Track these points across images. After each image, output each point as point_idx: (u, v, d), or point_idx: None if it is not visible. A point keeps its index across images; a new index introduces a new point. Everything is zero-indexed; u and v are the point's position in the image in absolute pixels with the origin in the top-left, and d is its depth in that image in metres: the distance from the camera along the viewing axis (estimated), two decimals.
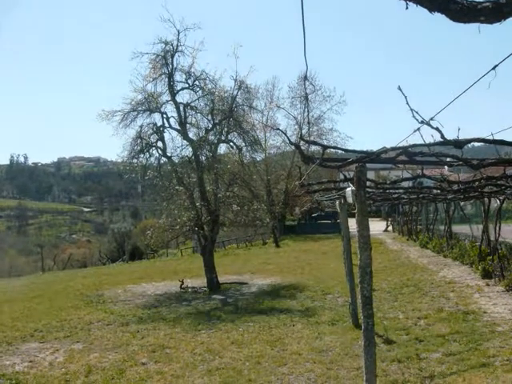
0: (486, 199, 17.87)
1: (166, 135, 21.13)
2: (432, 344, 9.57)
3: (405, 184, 14.25)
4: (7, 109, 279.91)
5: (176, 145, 21.24)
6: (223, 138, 21.08)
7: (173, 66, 20.29)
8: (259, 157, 29.27)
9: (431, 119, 5.46)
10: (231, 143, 21.40)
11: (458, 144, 5.70)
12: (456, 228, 24.97)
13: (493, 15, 2.50)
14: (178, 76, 20.67)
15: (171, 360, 9.85)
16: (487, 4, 2.48)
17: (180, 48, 20.14)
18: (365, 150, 6.29)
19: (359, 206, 6.13)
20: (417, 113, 5.34)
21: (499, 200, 16.99)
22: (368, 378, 6.02)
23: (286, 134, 42.03)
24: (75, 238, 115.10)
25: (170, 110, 21.04)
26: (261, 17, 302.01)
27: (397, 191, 16.77)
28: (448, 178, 12.57)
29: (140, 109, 20.31)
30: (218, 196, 20.16)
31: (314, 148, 37.31)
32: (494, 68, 4.38)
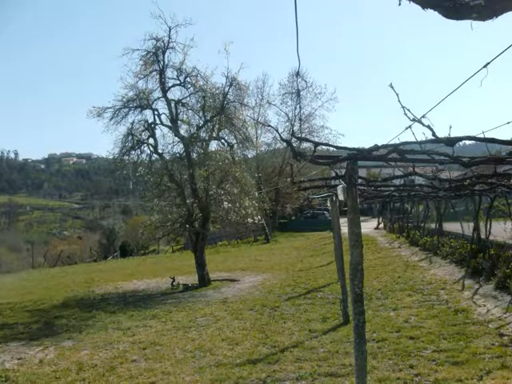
0: (476, 197, 17.95)
1: (158, 132, 21.19)
2: (422, 341, 9.59)
3: (396, 182, 14.30)
4: None
5: (167, 141, 21.26)
6: (214, 134, 21.05)
7: (164, 62, 20.28)
8: (250, 154, 29.21)
9: (423, 117, 5.46)
10: (222, 140, 21.39)
11: (450, 142, 5.71)
12: (447, 226, 25.04)
13: (485, 12, 2.50)
14: (169, 73, 20.69)
15: (162, 357, 9.82)
16: (480, 1, 2.47)
17: (171, 44, 20.16)
18: (356, 147, 6.28)
19: (351, 204, 6.12)
20: (408, 110, 5.34)
21: (490, 198, 17.07)
22: (359, 374, 6.02)
23: (277, 131, 42.04)
24: (66, 235, 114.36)
25: (161, 106, 21.03)
26: (251, 11, 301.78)
27: (388, 189, 16.85)
28: (439, 175, 12.60)
29: (131, 105, 20.27)
30: (210, 193, 20.13)
31: (305, 145, 37.39)
32: (485, 66, 4.38)
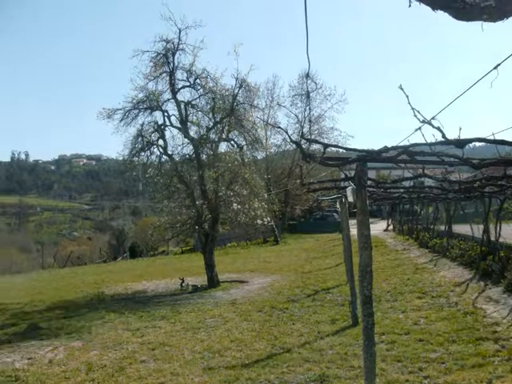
0: (486, 199, 17.84)
1: (167, 133, 21.31)
2: (431, 344, 9.55)
3: (406, 183, 14.25)
4: (8, 105, 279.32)
5: (177, 143, 21.36)
6: (224, 136, 21.10)
7: (174, 64, 20.37)
8: (260, 155, 29.25)
9: (432, 118, 5.44)
10: (232, 142, 21.43)
11: (460, 144, 5.69)
12: (456, 228, 24.91)
13: (496, 13, 2.49)
14: (179, 74, 20.78)
15: (171, 358, 9.85)
16: (490, 2, 2.47)
17: (181, 46, 20.26)
18: (366, 148, 6.27)
19: (360, 205, 6.12)
20: (418, 112, 5.32)
21: (500, 200, 16.97)
22: (368, 377, 6.01)
23: (287, 133, 42.11)
24: (76, 236, 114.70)
25: (171, 108, 21.13)
26: (260, 13, 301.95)
27: (398, 190, 16.78)
28: (449, 177, 12.55)
29: (141, 107, 20.36)
30: (219, 194, 20.17)
31: (315, 147, 37.38)
32: (496, 67, 4.36)
